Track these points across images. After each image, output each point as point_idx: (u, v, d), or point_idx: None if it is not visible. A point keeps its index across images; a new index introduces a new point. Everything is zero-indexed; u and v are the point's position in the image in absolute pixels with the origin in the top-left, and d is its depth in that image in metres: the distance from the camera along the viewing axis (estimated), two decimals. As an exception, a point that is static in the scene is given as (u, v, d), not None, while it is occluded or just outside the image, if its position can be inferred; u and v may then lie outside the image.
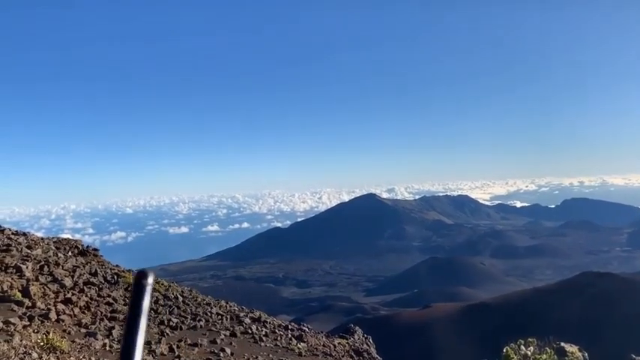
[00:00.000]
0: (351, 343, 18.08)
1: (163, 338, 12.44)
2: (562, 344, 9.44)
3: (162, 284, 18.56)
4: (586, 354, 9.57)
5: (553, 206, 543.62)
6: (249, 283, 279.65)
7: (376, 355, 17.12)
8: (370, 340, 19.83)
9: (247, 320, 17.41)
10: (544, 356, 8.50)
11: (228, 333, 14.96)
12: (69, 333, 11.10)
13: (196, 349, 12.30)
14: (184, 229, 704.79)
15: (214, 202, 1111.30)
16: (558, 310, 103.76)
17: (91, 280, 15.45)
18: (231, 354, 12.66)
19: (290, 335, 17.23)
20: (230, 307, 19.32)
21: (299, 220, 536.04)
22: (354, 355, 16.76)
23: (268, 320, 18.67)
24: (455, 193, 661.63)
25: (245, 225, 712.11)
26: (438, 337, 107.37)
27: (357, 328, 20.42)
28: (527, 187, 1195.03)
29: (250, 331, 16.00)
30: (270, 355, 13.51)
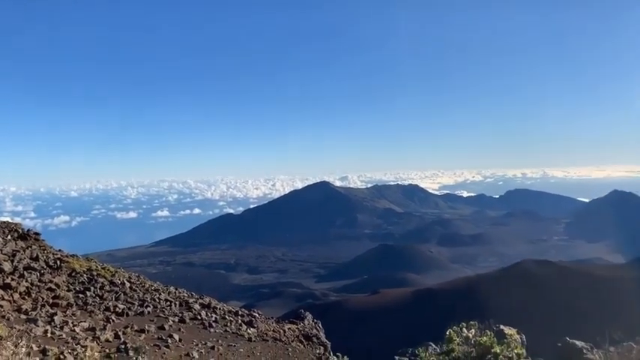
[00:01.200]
0: (300, 328, 18.28)
1: (109, 325, 12.19)
2: (501, 327, 9.93)
3: (108, 270, 18.10)
4: (523, 336, 10.12)
5: (497, 196, 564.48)
6: (199, 270, 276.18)
7: (325, 340, 17.40)
8: (320, 325, 20.10)
9: (197, 306, 17.28)
10: (484, 338, 8.93)
11: (176, 319, 14.80)
12: (7, 319, 10.70)
13: (143, 335, 12.12)
14: (133, 214, 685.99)
15: (165, 187, 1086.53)
16: (500, 296, 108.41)
17: (31, 265, 14.86)
18: (180, 340, 12.57)
19: (240, 321, 17.23)
20: (179, 293, 19.09)
21: (252, 206, 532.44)
22: (304, 340, 16.98)
23: (218, 306, 18.57)
24: (405, 183, 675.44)
25: (196, 211, 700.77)
26: (385, 321, 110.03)
27: (307, 313, 20.64)
28: (473, 177, 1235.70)
29: (200, 317, 15.89)
30: (220, 341, 13.51)
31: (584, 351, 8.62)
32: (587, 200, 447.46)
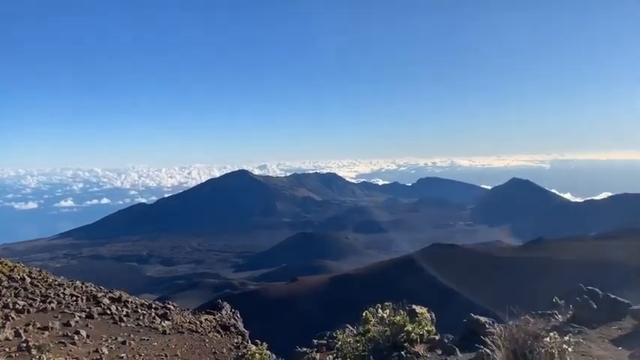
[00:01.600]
0: (218, 319, 18.04)
1: (8, 322, 11.30)
2: (413, 307, 10.39)
3: (6, 265, 16.73)
4: (433, 314, 10.66)
5: (410, 184, 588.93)
6: (109, 263, 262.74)
7: (243, 329, 17.32)
8: (238, 314, 19.96)
9: (106, 301, 16.48)
10: (398, 317, 9.32)
11: (84, 315, 14.02)
12: None
13: (47, 332, 11.36)
14: (32, 205, 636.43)
15: (69, 176, 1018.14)
16: (412, 278, 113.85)
17: None
18: (87, 336, 11.93)
19: (154, 314, 16.69)
20: (86, 287, 18.09)
21: (166, 196, 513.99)
22: (221, 330, 16.79)
23: (130, 300, 17.84)
24: (324, 171, 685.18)
25: (105, 201, 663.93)
26: (303, 308, 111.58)
27: (224, 303, 20.41)
28: (388, 166, 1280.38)
29: (109, 312, 15.18)
30: (132, 335, 12.99)
31: (487, 325, 9.28)
32: (489, 187, 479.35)
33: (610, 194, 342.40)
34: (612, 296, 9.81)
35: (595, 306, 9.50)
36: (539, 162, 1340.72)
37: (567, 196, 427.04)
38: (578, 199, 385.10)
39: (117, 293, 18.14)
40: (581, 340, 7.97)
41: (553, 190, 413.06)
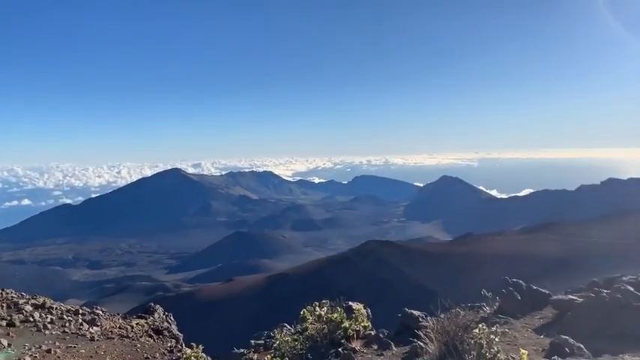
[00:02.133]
0: (150, 323, 17.40)
1: None
2: (350, 303, 10.54)
3: None
4: (369, 310, 10.85)
5: (345, 182, 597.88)
6: (31, 267, 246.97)
7: (177, 332, 16.84)
8: (171, 317, 19.34)
9: (28, 307, 15.43)
10: (335, 315, 9.42)
11: (4, 323, 13.06)
12: None
13: (-39, 345, 10.49)
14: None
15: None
16: (348, 275, 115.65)
17: None
18: (9, 345, 11.13)
19: (81, 320, 15.82)
20: (6, 294, 16.86)
21: (93, 196, 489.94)
22: (154, 334, 16.20)
23: (54, 306, 16.79)
24: (260, 169, 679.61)
25: (26, 202, 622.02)
26: (239, 308, 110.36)
27: (157, 306, 19.68)
28: (324, 164, 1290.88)
29: (32, 319, 14.22)
30: (57, 343, 12.26)
31: (420, 319, 9.59)
32: (421, 185, 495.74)
33: (531, 190, 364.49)
34: (534, 287, 10.47)
35: (519, 297, 10.08)
36: (467, 160, 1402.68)
37: (493, 192, 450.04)
38: (504, 196, 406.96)
39: (40, 299, 17.04)
40: (507, 330, 8.44)
41: (481, 187, 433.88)
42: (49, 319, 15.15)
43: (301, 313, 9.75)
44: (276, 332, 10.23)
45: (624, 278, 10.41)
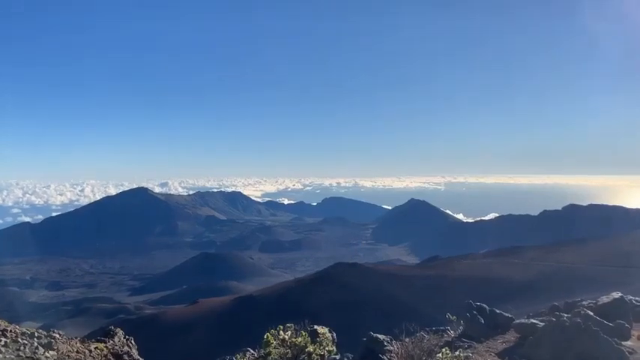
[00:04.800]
0: (110, 347, 16.72)
1: None
2: (315, 327, 10.47)
3: None
4: (334, 334, 10.80)
5: (315, 204, 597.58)
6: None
7: (137, 357, 16.22)
8: (132, 341, 18.62)
9: (-20, 331, 14.71)
10: (299, 339, 9.33)
11: (-48, 348, 12.38)
12: None
13: None
14: None
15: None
16: (315, 297, 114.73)
17: None
18: (-44, 372, 10.54)
19: (37, 343, 15.10)
20: (-44, 317, 16.04)
21: (54, 214, 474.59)
22: (113, 359, 15.60)
23: (9, 328, 16.00)
24: (229, 190, 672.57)
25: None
26: (203, 332, 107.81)
27: (117, 329, 18.90)
28: (294, 185, 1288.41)
29: (-17, 344, 13.55)
30: (10, 369, 11.67)
31: (385, 343, 9.61)
32: (389, 207, 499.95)
33: (497, 215, 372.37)
34: (498, 311, 10.66)
35: (483, 321, 10.25)
36: (434, 184, 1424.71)
37: (460, 216, 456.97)
38: (470, 219, 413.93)
39: (-7, 322, 16.27)
40: (471, 354, 8.54)
41: (447, 211, 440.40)
42: (2, 342, 14.46)
43: (265, 337, 9.62)
44: (239, 357, 10.04)
45: (584, 302, 10.72)
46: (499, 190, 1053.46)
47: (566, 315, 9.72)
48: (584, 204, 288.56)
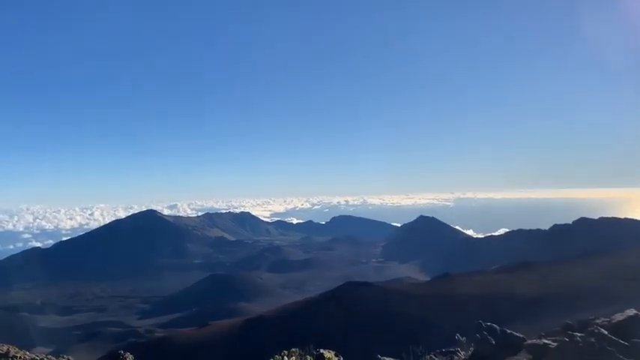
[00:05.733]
0: (119, 372, 16.70)
1: None
2: (321, 351, 10.34)
3: None
4: (341, 357, 10.64)
5: (324, 222, 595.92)
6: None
7: (147, 382, 16.19)
8: (141, 365, 18.65)
9: (-11, 359, 14.74)
10: (305, 364, 9.21)
11: (-40, 377, 12.43)
12: None
13: None
14: None
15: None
16: (323, 318, 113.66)
17: None
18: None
19: (45, 371, 15.16)
20: (-34, 345, 16.09)
21: (64, 239, 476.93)
22: (122, 385, 15.57)
23: (19, 355, 16.08)
24: (237, 210, 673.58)
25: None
26: (213, 354, 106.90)
27: (127, 354, 18.96)
28: (302, 204, 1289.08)
29: (-7, 372, 13.59)
30: (18, 398, 11.68)
31: (394, 366, 9.47)
32: (399, 225, 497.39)
33: (507, 230, 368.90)
34: (508, 331, 10.46)
35: (493, 341, 10.07)
36: (443, 200, 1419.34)
37: (470, 232, 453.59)
38: (480, 235, 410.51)
39: (4, 348, 16.30)
40: (480, 377, 8.37)
41: (457, 227, 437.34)
42: (10, 372, 14.40)
43: (270, 362, 9.52)
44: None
45: (597, 321, 10.49)
46: (508, 206, 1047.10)
47: (579, 334, 9.51)
48: (596, 217, 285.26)
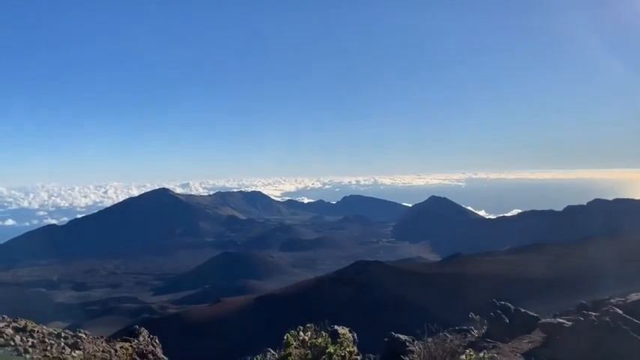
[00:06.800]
0: (134, 346, 16.99)
1: None
2: (335, 327, 10.40)
3: None
4: (355, 334, 10.71)
5: (334, 202, 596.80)
6: (13, 289, 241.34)
7: (162, 356, 16.47)
8: (157, 340, 18.90)
9: (9, 331, 15.01)
10: (319, 340, 9.27)
11: (-18, 348, 12.69)
12: None
13: None
14: None
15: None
16: (336, 296, 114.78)
17: None
18: (-14, 372, 10.81)
19: (63, 343, 15.41)
20: (-14, 317, 16.44)
21: (79, 216, 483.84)
22: (138, 358, 15.82)
23: (36, 329, 16.37)
24: (249, 189, 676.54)
25: (10, 222, 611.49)
26: (227, 330, 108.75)
27: (142, 329, 19.20)
28: (313, 184, 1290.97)
29: (13, 343, 13.82)
30: (37, 369, 11.94)
31: (407, 343, 9.50)
32: (410, 205, 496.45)
33: (519, 211, 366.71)
34: (522, 310, 10.44)
35: (507, 320, 10.05)
36: (455, 181, 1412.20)
37: (482, 212, 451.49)
38: (492, 216, 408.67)
39: (22, 322, 16.61)
40: (495, 355, 8.37)
41: (469, 207, 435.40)
42: (30, 343, 14.73)
43: (285, 337, 9.58)
44: (259, 358, 10.02)
45: (612, 300, 10.42)
46: (521, 186, 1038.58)
47: (594, 314, 9.46)
48: (610, 198, 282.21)
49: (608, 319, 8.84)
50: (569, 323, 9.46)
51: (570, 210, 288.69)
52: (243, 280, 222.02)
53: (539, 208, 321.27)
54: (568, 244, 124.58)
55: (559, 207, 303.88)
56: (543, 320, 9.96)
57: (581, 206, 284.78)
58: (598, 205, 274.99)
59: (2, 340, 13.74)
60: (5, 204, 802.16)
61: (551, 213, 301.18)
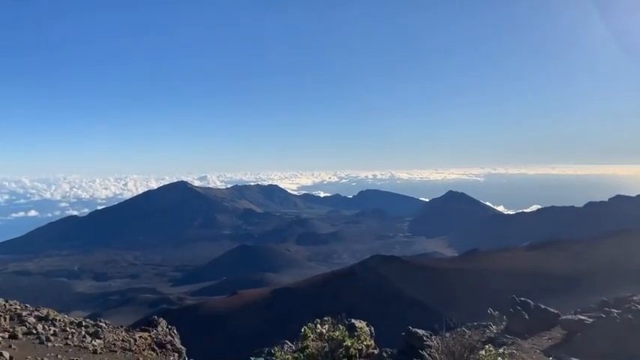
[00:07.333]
0: (153, 336, 17.27)
1: None
2: (352, 321, 10.39)
3: None
4: (372, 328, 10.69)
5: (351, 196, 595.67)
6: (36, 278, 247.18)
7: (180, 346, 16.69)
8: (175, 330, 19.19)
9: (32, 319, 15.34)
10: (337, 333, 9.27)
11: (7, 335, 12.99)
12: None
13: (-38, 357, 10.43)
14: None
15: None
16: (352, 290, 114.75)
17: None
18: (11, 358, 11.05)
19: (84, 332, 15.70)
20: (10, 305, 16.80)
21: (99, 208, 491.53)
22: (157, 348, 16.07)
23: (58, 318, 16.69)
24: (265, 183, 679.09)
25: (32, 213, 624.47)
26: (243, 322, 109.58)
27: (160, 319, 19.54)
28: (330, 178, 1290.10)
29: (35, 331, 14.13)
30: (59, 356, 12.17)
31: (425, 338, 9.44)
32: (427, 200, 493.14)
33: (539, 207, 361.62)
34: (542, 307, 10.28)
35: (527, 316, 9.92)
36: (474, 176, 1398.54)
37: (500, 208, 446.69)
38: (511, 212, 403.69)
39: (44, 311, 16.96)
40: (515, 351, 8.28)
41: (487, 203, 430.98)
42: (52, 332, 15.03)
43: (302, 330, 9.59)
44: (276, 350, 10.06)
45: (635, 298, 10.23)
46: (541, 182, 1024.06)
47: (616, 311, 9.29)
48: (633, 195, 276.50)
49: (630, 316, 8.67)
50: (591, 320, 9.31)
51: (591, 206, 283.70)
52: (260, 273, 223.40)
53: (559, 204, 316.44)
54: (588, 241, 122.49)
55: (580, 203, 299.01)
56: (564, 317, 9.82)
57: (602, 202, 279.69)
58: (620, 201, 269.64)
59: (25, 328, 14.05)
60: (28, 195, 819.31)
61: (571, 209, 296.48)
